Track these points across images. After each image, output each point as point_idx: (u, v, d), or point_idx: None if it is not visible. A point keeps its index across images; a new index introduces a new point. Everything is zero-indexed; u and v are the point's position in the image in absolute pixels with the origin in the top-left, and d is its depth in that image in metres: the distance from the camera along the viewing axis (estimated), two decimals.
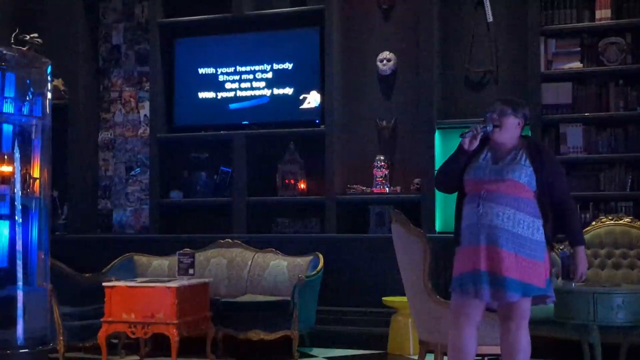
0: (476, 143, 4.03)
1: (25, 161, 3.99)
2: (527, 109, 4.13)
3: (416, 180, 6.70)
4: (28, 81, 4.10)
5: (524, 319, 3.95)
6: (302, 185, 7.04)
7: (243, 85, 7.26)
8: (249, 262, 6.64)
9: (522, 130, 4.11)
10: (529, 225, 3.89)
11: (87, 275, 6.31)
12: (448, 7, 6.79)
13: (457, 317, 4.04)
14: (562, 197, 3.96)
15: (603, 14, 6.30)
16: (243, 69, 7.26)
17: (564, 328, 5.07)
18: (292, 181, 7.02)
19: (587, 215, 6.21)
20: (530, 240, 3.88)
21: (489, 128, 4.01)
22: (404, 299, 5.11)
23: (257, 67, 7.22)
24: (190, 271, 6.00)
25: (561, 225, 3.98)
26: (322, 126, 6.91)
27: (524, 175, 3.92)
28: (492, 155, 4.06)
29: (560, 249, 5.75)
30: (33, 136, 4.06)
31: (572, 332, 5.03)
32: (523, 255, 3.86)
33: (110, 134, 7.83)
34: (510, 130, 4.03)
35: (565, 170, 4.23)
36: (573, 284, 4.99)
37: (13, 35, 7.01)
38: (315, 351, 6.27)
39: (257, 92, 7.22)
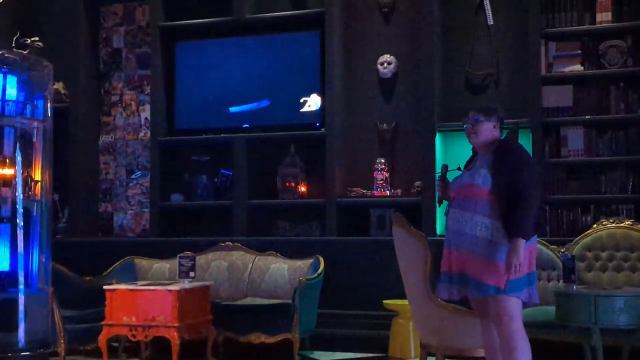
0: (446, 184, 4.34)
1: (27, 164, 3.99)
2: (501, 112, 4.32)
3: (417, 183, 6.70)
4: (29, 84, 4.09)
5: (510, 319, 4.01)
6: (303, 188, 7.04)
7: (243, 88, 7.26)
8: (250, 265, 6.64)
9: (500, 131, 4.27)
10: (487, 227, 4.02)
11: (88, 278, 6.32)
12: (448, 10, 6.80)
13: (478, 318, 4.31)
14: (519, 191, 3.98)
15: (603, 17, 6.30)
16: (244, 71, 7.27)
17: (565, 331, 5.06)
18: (293, 184, 7.03)
19: (589, 218, 6.21)
20: (488, 241, 4.00)
21: (441, 173, 4.42)
22: (405, 302, 5.11)
23: (257, 70, 7.22)
24: (191, 274, 6.00)
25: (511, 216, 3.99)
26: (323, 129, 6.92)
27: (478, 176, 4.09)
28: (472, 163, 4.30)
29: (561, 252, 5.75)
30: (34, 139, 4.06)
31: (574, 335, 5.02)
32: (480, 255, 4.00)
33: (111, 137, 7.84)
34: (486, 133, 4.22)
35: (532, 167, 4.28)
36: (574, 287, 5.00)
37: (14, 39, 7.02)
38: (316, 354, 6.27)
39: (257, 95, 7.22)
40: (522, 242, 3.95)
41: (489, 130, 4.21)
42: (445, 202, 4.41)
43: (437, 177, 4.49)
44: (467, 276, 4.05)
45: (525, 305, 4.12)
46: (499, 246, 3.98)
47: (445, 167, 4.44)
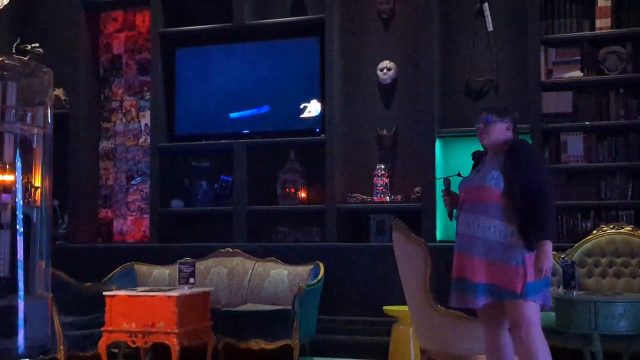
0: (452, 197, 4.27)
1: (27, 170, 3.99)
2: (515, 114, 4.23)
3: (417, 189, 6.69)
4: (30, 90, 4.10)
5: (529, 324, 3.91)
6: (303, 194, 7.04)
7: (243, 94, 7.27)
8: (250, 271, 6.63)
9: (513, 133, 4.17)
10: (500, 230, 3.93)
11: (88, 284, 6.32)
12: (448, 16, 6.81)
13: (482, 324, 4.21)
14: (536, 192, 3.89)
15: (603, 23, 6.31)
16: (244, 78, 7.28)
17: (565, 337, 5.06)
18: (293, 190, 7.03)
19: (588, 224, 6.21)
20: (502, 245, 3.91)
21: (444, 186, 4.32)
22: (405, 307, 5.10)
23: (257, 76, 7.23)
24: (191, 280, 6.00)
25: (533, 221, 3.90)
26: (323, 135, 6.92)
27: (490, 178, 3.98)
28: (480, 165, 4.19)
29: (561, 258, 5.75)
30: (34, 145, 4.06)
31: (574, 340, 5.02)
32: (494, 259, 3.91)
33: (111, 143, 7.84)
34: (499, 134, 4.12)
35: (546, 168, 4.24)
36: (574, 293, 5.00)
37: (14, 45, 7.04)
38: None
39: (257, 101, 7.22)
40: (550, 245, 3.87)
41: (501, 131, 4.11)
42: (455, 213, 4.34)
43: (441, 191, 4.38)
44: (472, 283, 3.95)
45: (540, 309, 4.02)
46: (513, 250, 3.89)
47: (447, 181, 4.34)
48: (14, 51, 6.92)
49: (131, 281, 6.66)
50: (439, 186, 6.36)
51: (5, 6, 5.64)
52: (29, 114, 4.04)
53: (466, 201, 4.08)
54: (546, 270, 3.87)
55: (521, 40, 6.53)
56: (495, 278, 3.91)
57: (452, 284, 4.11)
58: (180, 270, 6.03)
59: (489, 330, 4.16)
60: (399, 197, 6.78)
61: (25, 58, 5.17)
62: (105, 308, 5.69)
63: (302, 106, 7.06)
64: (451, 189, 4.34)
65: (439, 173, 6.46)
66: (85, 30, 7.73)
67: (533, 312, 3.92)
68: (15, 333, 3.84)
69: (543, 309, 4.04)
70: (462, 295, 4.01)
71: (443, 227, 6.57)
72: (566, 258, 5.69)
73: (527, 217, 3.89)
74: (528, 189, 3.90)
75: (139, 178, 7.74)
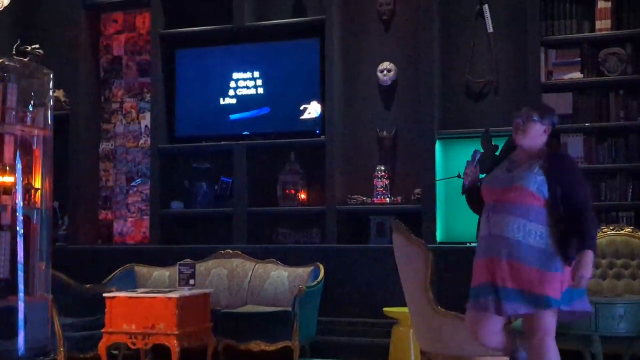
0: (476, 172, 4.13)
1: (27, 172, 4.00)
2: (555, 117, 4.07)
3: (417, 191, 6.69)
4: (30, 92, 4.10)
5: (544, 333, 3.86)
6: (303, 196, 7.04)
7: (244, 95, 7.27)
8: (250, 273, 6.63)
9: (548, 137, 4.03)
10: (541, 235, 3.81)
11: (88, 285, 6.31)
12: (448, 18, 6.81)
13: (473, 331, 4.06)
14: (578, 205, 3.79)
15: (603, 25, 6.31)
16: (244, 79, 7.28)
17: (565, 338, 5.05)
18: (293, 191, 7.03)
19: None
20: (543, 251, 3.80)
21: (477, 156, 4.15)
22: (405, 309, 5.10)
23: (257, 78, 7.23)
24: (191, 282, 6.00)
25: (575, 231, 3.79)
26: (323, 136, 6.92)
27: (533, 183, 3.83)
28: (509, 164, 4.04)
29: None
30: (35, 146, 4.06)
31: (574, 342, 5.01)
32: (534, 266, 3.78)
33: (111, 145, 7.84)
34: (535, 136, 3.97)
35: (588, 182, 4.11)
36: None
37: (14, 46, 7.04)
38: None
39: (257, 103, 7.22)
40: (591, 255, 3.73)
41: (538, 133, 3.96)
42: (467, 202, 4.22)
43: (468, 162, 4.18)
44: (506, 289, 3.81)
45: (575, 315, 3.97)
46: (554, 256, 3.78)
47: (477, 153, 4.18)
48: (14, 52, 6.92)
49: (131, 283, 6.66)
50: (439, 187, 6.38)
51: (5, 7, 5.64)
52: (29, 116, 4.04)
53: (498, 201, 3.92)
54: (585, 279, 3.75)
55: (521, 41, 6.53)
56: (534, 285, 3.78)
57: (479, 288, 3.93)
58: (180, 272, 6.04)
59: (485, 315, 3.98)
60: (399, 198, 6.78)
61: (25, 59, 5.17)
62: (105, 309, 5.69)
63: (302, 107, 7.06)
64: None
65: (439, 174, 6.46)
66: (85, 31, 7.73)
67: (551, 321, 3.86)
68: (15, 334, 3.84)
69: (578, 315, 3.99)
70: (498, 300, 3.84)
71: (443, 228, 6.57)
72: None
73: (569, 228, 3.80)
74: (569, 200, 3.80)
75: (139, 179, 7.74)
